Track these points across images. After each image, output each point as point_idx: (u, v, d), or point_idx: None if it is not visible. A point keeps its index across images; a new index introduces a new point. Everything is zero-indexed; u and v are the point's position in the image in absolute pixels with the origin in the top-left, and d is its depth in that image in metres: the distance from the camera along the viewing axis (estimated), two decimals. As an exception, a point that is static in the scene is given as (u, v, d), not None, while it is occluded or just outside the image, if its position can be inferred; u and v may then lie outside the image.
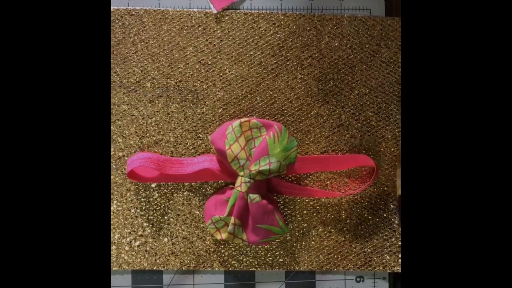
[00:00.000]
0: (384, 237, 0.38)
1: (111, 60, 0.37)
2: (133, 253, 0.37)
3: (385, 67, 0.38)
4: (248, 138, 0.35)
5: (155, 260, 0.37)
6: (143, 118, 0.37)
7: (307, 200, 0.38)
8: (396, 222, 0.38)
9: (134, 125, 0.37)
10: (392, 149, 0.38)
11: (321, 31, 0.38)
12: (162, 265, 0.37)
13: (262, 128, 0.35)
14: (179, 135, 0.38)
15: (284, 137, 0.34)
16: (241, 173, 0.35)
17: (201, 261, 0.38)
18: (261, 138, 0.35)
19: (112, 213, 0.37)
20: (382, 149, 0.38)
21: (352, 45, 0.38)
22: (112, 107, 0.37)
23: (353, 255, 0.38)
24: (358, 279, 0.39)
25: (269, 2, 0.39)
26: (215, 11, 0.37)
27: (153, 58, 0.38)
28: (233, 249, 0.38)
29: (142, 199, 0.37)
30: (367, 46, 0.38)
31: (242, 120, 0.35)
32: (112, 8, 0.38)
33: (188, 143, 0.38)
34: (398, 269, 0.38)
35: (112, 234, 0.37)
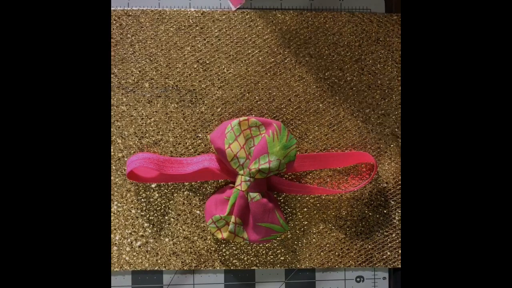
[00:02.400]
0: (385, 233, 0.38)
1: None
2: (134, 253, 0.37)
3: (384, 63, 0.38)
4: (247, 136, 0.35)
5: (157, 260, 0.37)
6: (142, 119, 0.37)
7: (307, 198, 0.38)
8: (396, 218, 0.38)
9: (133, 126, 0.37)
10: (392, 146, 0.38)
11: (318, 28, 0.38)
12: (163, 265, 0.37)
13: (261, 127, 0.35)
14: (178, 135, 0.38)
15: (283, 135, 0.34)
16: (241, 172, 0.35)
17: (202, 260, 0.37)
18: (260, 137, 0.35)
19: (112, 214, 0.37)
20: (381, 146, 0.38)
21: (350, 42, 0.38)
22: (111, 108, 0.37)
23: (354, 252, 0.38)
24: (358, 279, 0.39)
25: (269, 2, 0.39)
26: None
27: (151, 59, 0.38)
28: (234, 248, 0.38)
29: (142, 200, 0.37)
30: (365, 42, 0.38)
31: (241, 119, 0.35)
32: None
33: (188, 143, 0.38)
34: (398, 264, 0.38)
35: (113, 235, 0.37)
